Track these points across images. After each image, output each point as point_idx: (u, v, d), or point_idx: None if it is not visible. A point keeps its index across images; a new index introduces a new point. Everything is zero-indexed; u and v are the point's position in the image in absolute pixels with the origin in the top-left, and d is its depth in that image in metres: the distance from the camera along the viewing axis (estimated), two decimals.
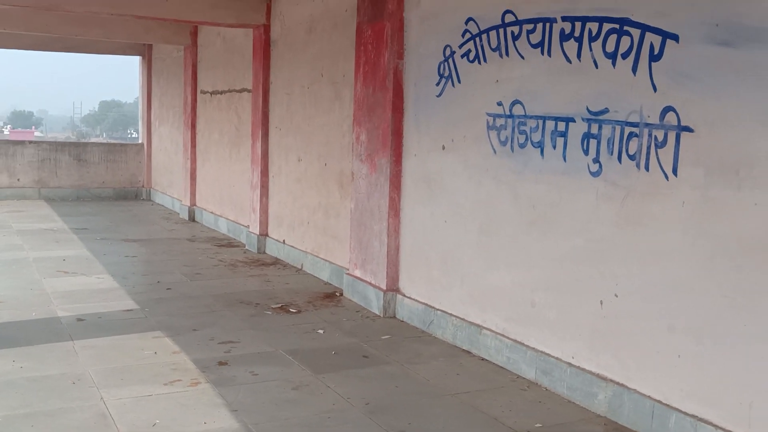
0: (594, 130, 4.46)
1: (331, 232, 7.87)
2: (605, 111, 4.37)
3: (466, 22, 5.58)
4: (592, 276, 4.52)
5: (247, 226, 9.97)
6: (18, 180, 14.12)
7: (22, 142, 14.41)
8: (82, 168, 14.62)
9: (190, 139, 12.22)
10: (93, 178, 14.73)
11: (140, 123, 15.58)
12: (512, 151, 5.16)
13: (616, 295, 4.35)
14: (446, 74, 5.85)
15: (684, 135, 3.88)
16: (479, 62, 5.47)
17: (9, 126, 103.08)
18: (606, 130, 4.38)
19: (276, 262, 8.88)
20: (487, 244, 5.45)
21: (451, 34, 5.78)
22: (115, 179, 14.94)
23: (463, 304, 5.72)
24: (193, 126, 12.19)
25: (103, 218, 12.11)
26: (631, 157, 4.21)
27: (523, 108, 5.04)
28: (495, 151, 5.33)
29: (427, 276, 6.17)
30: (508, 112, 5.19)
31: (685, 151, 3.88)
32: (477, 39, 5.48)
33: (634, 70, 4.17)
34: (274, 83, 9.18)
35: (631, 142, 4.21)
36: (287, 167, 8.89)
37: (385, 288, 6.55)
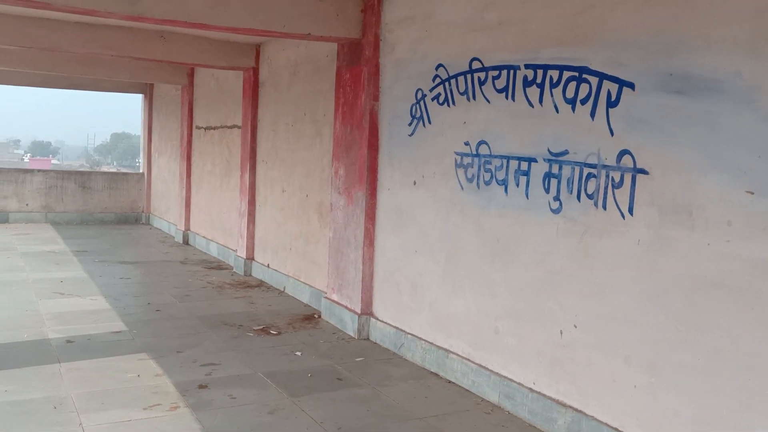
0: (555, 170, 4.21)
1: (311, 257, 7.55)
2: (565, 152, 4.13)
3: (437, 68, 5.34)
4: (552, 307, 4.26)
5: (235, 250, 9.61)
6: (27, 205, 13.63)
7: (31, 171, 13.93)
8: (87, 194, 14.17)
9: (185, 169, 11.86)
10: (96, 204, 14.27)
11: (141, 154, 15.17)
12: (478, 187, 4.90)
13: (575, 326, 4.08)
14: (418, 115, 5.60)
15: (639, 177, 3.65)
16: (448, 105, 5.23)
17: (29, 154, 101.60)
18: (566, 171, 4.13)
19: (261, 284, 8.52)
20: (453, 273, 5.17)
21: (422, 78, 5.54)
22: (117, 205, 14.48)
23: (431, 329, 5.42)
24: (189, 158, 11.83)
25: (103, 241, 11.66)
26: (590, 196, 3.97)
27: (489, 148, 4.79)
28: (462, 187, 5.07)
29: (398, 301, 5.87)
30: (474, 152, 4.93)
31: (641, 192, 3.64)
32: (446, 83, 5.24)
33: (593, 115, 3.93)
34: (262, 120, 8.89)
35: (589, 182, 3.97)
36: (272, 197, 8.58)
37: (359, 311, 6.24)
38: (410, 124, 5.70)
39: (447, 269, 5.24)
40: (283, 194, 8.25)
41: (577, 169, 4.05)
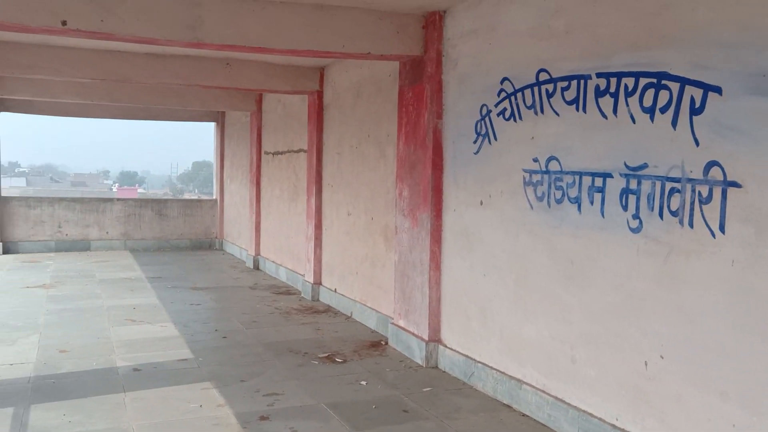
0: (633, 185, 3.85)
1: (377, 282, 7.34)
2: (644, 166, 3.77)
3: (502, 82, 5.07)
4: (634, 334, 3.87)
5: (303, 275, 9.52)
6: (107, 233, 14.07)
7: (111, 200, 14.40)
8: (163, 222, 14.52)
9: (255, 194, 11.95)
10: (172, 231, 14.60)
11: (214, 181, 15.46)
12: (549, 206, 4.58)
13: (662, 356, 3.68)
14: (483, 132, 5.33)
15: (731, 190, 3.25)
16: (515, 120, 4.94)
17: (117, 184, 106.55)
18: (646, 186, 3.77)
19: (328, 309, 8.37)
20: (524, 297, 4.83)
21: (487, 93, 5.28)
22: (191, 231, 14.78)
23: (502, 357, 5.09)
24: (258, 183, 11.92)
25: (177, 267, 11.85)
26: (674, 213, 3.59)
27: (559, 164, 4.47)
28: (531, 206, 4.75)
29: (466, 327, 5.57)
30: (544, 168, 4.62)
31: (733, 207, 3.25)
32: (512, 98, 4.96)
33: (674, 124, 3.57)
34: (327, 144, 8.81)
35: (672, 198, 3.59)
36: (338, 221, 8.45)
37: (427, 338, 5.97)
38: (475, 142, 5.43)
39: (517, 293, 4.91)
40: (349, 217, 8.10)
41: (658, 184, 3.68)
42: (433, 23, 5.87)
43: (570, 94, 4.37)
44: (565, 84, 4.41)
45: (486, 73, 5.29)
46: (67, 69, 7.69)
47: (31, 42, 7.43)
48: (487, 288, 5.28)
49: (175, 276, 10.84)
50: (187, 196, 79.15)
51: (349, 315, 7.95)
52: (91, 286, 9.68)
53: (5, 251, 13.05)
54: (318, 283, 9.01)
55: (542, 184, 4.65)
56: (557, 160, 4.49)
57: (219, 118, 14.91)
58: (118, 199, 14.44)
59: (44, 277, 10.40)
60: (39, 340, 6.58)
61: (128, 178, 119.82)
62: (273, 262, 11.13)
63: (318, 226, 8.98)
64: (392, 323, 6.63)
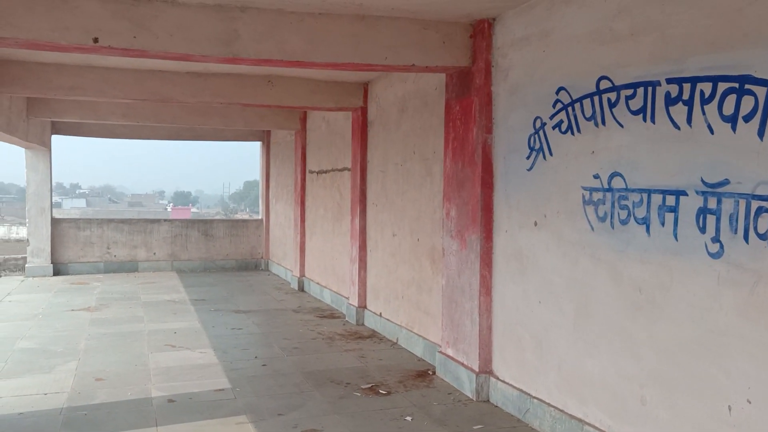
0: (711, 204, 3.39)
1: (424, 307, 6.95)
2: (725, 182, 3.30)
3: (557, 92, 4.66)
4: (716, 375, 3.38)
5: (347, 298, 9.20)
6: (154, 254, 14.07)
7: (158, 221, 14.42)
8: (209, 242, 14.45)
9: (299, 214, 11.73)
10: (218, 251, 14.51)
11: (260, 201, 15.34)
12: (612, 227, 4.13)
13: (749, 401, 3.19)
14: (537, 147, 4.92)
15: None
16: (572, 133, 4.52)
17: (171, 204, 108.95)
18: (727, 205, 3.30)
19: (373, 334, 8.01)
20: (585, 328, 4.38)
21: (541, 105, 4.87)
22: (237, 252, 14.66)
23: (561, 393, 4.63)
24: (302, 203, 11.71)
25: (221, 288, 11.69)
26: (762, 236, 3.11)
27: (624, 181, 4.03)
28: (592, 228, 4.31)
29: (520, 359, 5.13)
30: (606, 186, 4.18)
31: None
32: (569, 108, 4.54)
33: (761, 134, 3.11)
34: (371, 161, 8.51)
35: (760, 219, 3.12)
36: (383, 242, 8.11)
37: (477, 369, 5.54)
38: (528, 157, 5.02)
39: (577, 324, 4.46)
40: (394, 238, 7.75)
41: (742, 203, 3.22)
42: (481, 32, 5.51)
43: (636, 103, 3.93)
44: (630, 92, 3.98)
45: (540, 83, 4.89)
46: (110, 89, 7.61)
47: (74, 63, 7.38)
48: (543, 317, 4.84)
49: (218, 298, 10.66)
50: (239, 215, 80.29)
51: (395, 341, 7.57)
52: (135, 309, 9.56)
53: (56, 273, 13.15)
54: (363, 306, 8.67)
55: (604, 203, 4.20)
56: (621, 176, 4.05)
57: (264, 138, 14.83)
58: (165, 220, 14.45)
59: (90, 299, 10.36)
60: (77, 367, 6.40)
61: (182, 198, 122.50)
62: (318, 283, 10.85)
63: (362, 248, 8.66)
64: (440, 352, 6.23)
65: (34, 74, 7.31)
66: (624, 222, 4.03)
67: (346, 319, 8.93)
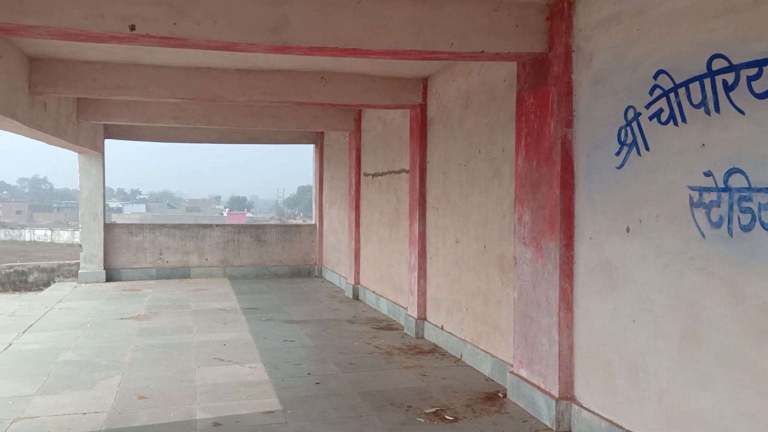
0: None
1: (492, 321, 6.33)
2: None
3: (656, 77, 4.00)
4: None
5: (406, 308, 8.64)
6: (206, 260, 13.82)
7: (210, 226, 14.17)
8: (261, 248, 14.12)
9: (354, 219, 11.24)
10: (271, 257, 14.16)
11: (313, 205, 14.95)
12: (730, 234, 3.45)
13: None
14: (629, 141, 4.26)
15: None
16: (675, 123, 3.85)
17: (227, 209, 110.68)
18: None
19: (434, 349, 7.42)
20: (695, 355, 3.70)
21: (634, 92, 4.21)
22: (290, 258, 14.29)
23: (663, 430, 3.95)
24: (357, 207, 11.21)
25: (274, 296, 11.29)
26: None
27: (746, 178, 3.34)
28: (703, 235, 3.63)
29: (609, 386, 4.46)
30: (721, 185, 3.50)
31: None
32: (671, 95, 3.87)
33: None
34: (431, 162, 7.93)
35: None
36: (444, 249, 7.52)
37: (557, 395, 4.89)
38: (618, 153, 4.37)
39: (683, 349, 3.78)
40: (457, 245, 7.15)
41: None
42: (560, 13, 4.88)
43: (762, 85, 3.25)
44: (753, 71, 3.30)
45: (633, 67, 4.23)
46: (156, 89, 7.27)
47: (119, 61, 7.06)
48: (638, 339, 4.17)
49: (270, 307, 10.25)
50: (292, 220, 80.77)
51: (459, 357, 6.96)
52: (184, 318, 9.22)
53: (108, 279, 13.02)
54: (422, 318, 8.09)
55: (719, 206, 3.52)
56: (743, 173, 3.37)
57: (317, 140, 14.43)
58: (217, 225, 14.19)
59: (140, 307, 10.09)
60: (120, 383, 6.03)
61: (238, 203, 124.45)
62: (373, 292, 10.33)
63: (422, 255, 8.09)
64: (512, 372, 5.60)
65: (78, 73, 7.02)
66: (746, 228, 3.35)
67: (405, 331, 8.37)
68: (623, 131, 4.32)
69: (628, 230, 4.28)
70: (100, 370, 6.50)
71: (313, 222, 14.73)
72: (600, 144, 4.56)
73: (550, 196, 4.99)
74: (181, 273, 13.60)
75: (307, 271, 14.32)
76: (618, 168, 4.37)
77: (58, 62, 6.96)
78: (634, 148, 4.22)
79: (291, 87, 7.60)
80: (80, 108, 9.89)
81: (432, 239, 7.90)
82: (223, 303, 10.54)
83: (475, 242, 6.70)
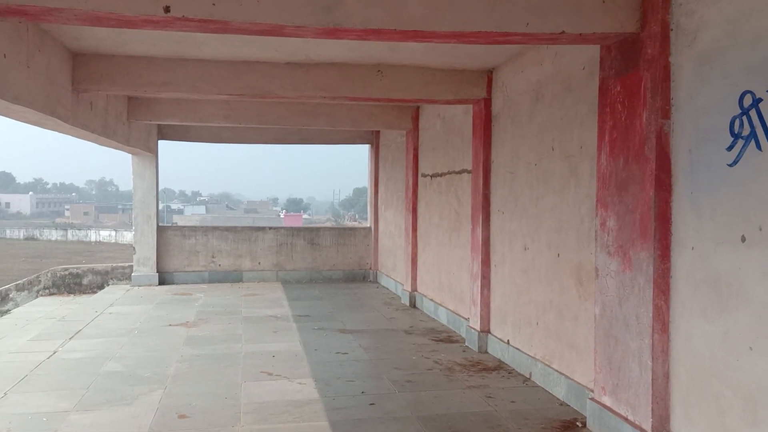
0: None
1: (567, 338, 5.64)
2: None
3: None
4: None
5: (467, 319, 8.01)
6: (259, 263, 13.47)
7: (263, 229, 13.81)
8: (315, 251, 13.68)
9: (411, 222, 10.66)
10: (325, 261, 13.71)
11: (368, 208, 14.44)
12: None
13: None
14: (745, 133, 3.54)
15: None
16: None
17: (284, 211, 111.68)
18: None
19: (499, 366, 6.77)
20: None
21: (752, 74, 3.50)
22: (344, 262, 13.81)
23: None
24: (414, 210, 10.63)
25: (327, 303, 10.81)
26: None
27: None
28: None
29: (718, 424, 3.74)
30: None
31: None
32: None
33: None
34: (496, 162, 7.28)
35: None
36: (511, 256, 6.85)
37: (649, 429, 4.19)
38: (731, 148, 3.65)
39: None
40: (526, 252, 6.48)
41: None
42: None
43: None
44: None
45: (751, 44, 3.51)
46: (204, 85, 6.86)
47: (165, 56, 6.68)
48: (758, 370, 3.45)
49: (323, 314, 9.76)
50: (346, 221, 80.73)
51: (528, 377, 6.30)
52: (234, 326, 8.82)
53: (161, 282, 12.81)
54: (486, 331, 7.44)
55: None
56: None
57: (373, 140, 13.90)
58: (270, 228, 13.81)
59: (189, 313, 9.75)
60: (161, 399, 5.61)
61: (294, 205, 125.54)
62: (431, 300, 9.72)
63: (485, 262, 7.44)
64: (592, 399, 4.91)
65: (122, 69, 6.67)
66: None
67: (466, 344, 7.74)
68: (738, 121, 3.60)
69: (743, 239, 3.56)
70: (143, 383, 6.11)
71: (368, 225, 14.22)
72: (706, 137, 3.85)
73: (641, 199, 4.30)
74: (234, 277, 13.28)
75: (362, 276, 13.81)
76: (730, 165, 3.66)
77: (101, 58, 6.63)
78: (753, 142, 3.50)
79: (345, 81, 7.08)
80: (131, 108, 9.63)
81: (497, 245, 7.24)
82: (275, 309, 10.12)
83: (548, 249, 6.03)
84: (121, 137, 9.22)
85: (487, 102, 7.41)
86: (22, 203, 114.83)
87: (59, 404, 5.48)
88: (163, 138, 12.83)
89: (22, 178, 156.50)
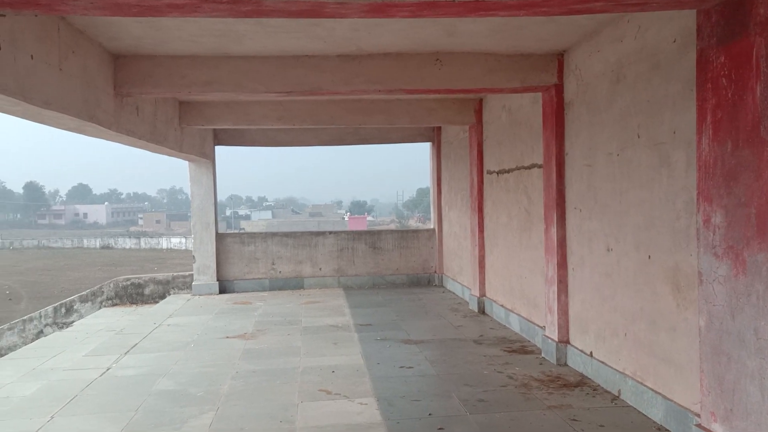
0: None
1: (663, 352, 4.91)
2: None
3: None
4: None
5: (543, 328, 7.32)
6: (320, 269, 13.07)
7: (323, 233, 13.41)
8: (377, 255, 13.18)
9: (477, 223, 10.01)
10: (387, 265, 13.20)
11: (431, 208, 13.83)
12: None
13: None
14: None
15: None
16: None
17: (348, 213, 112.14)
18: None
19: (581, 381, 6.07)
20: None
21: None
22: (408, 266, 13.25)
23: None
24: (480, 209, 9.97)
25: (390, 310, 10.28)
26: None
27: None
28: None
29: None
30: None
31: None
32: None
33: None
34: (570, 154, 6.58)
35: None
36: (591, 258, 6.15)
37: None
38: None
39: None
40: (609, 254, 5.77)
41: None
42: None
43: None
44: None
45: None
46: (249, 82, 6.44)
47: (208, 53, 6.29)
48: None
49: (386, 322, 9.24)
50: (411, 223, 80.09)
51: (616, 395, 5.58)
52: (293, 337, 8.39)
53: (221, 290, 12.58)
54: (565, 341, 6.74)
55: None
56: None
57: (434, 137, 13.30)
58: (331, 233, 13.39)
59: (248, 324, 9.40)
60: (211, 423, 5.19)
61: (358, 208, 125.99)
62: (502, 306, 9.05)
63: (562, 265, 6.74)
64: (699, 426, 4.19)
65: (164, 69, 6.32)
66: None
67: (542, 355, 7.05)
68: None
69: None
70: (194, 403, 5.72)
71: (432, 226, 13.62)
72: None
73: (756, 190, 3.57)
74: (294, 283, 12.92)
75: (426, 280, 13.23)
76: None
77: (142, 59, 6.29)
78: None
79: (400, 73, 6.53)
80: (182, 112, 9.37)
81: (574, 246, 6.54)
82: (336, 318, 9.65)
83: (635, 250, 5.31)
84: (172, 143, 8.95)
85: (559, 88, 6.71)
86: (98, 213, 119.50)
87: (106, 429, 5.13)
88: (219, 143, 12.60)
89: (98, 189, 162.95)
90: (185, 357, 7.47)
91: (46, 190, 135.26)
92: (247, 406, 5.60)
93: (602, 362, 5.93)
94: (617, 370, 5.64)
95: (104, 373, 6.88)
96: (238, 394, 5.96)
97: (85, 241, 73.77)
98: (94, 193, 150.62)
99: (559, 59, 6.69)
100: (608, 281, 5.82)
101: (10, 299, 32.19)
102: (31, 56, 4.46)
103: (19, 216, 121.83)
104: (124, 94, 6.35)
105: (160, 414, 5.47)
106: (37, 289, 35.36)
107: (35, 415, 5.52)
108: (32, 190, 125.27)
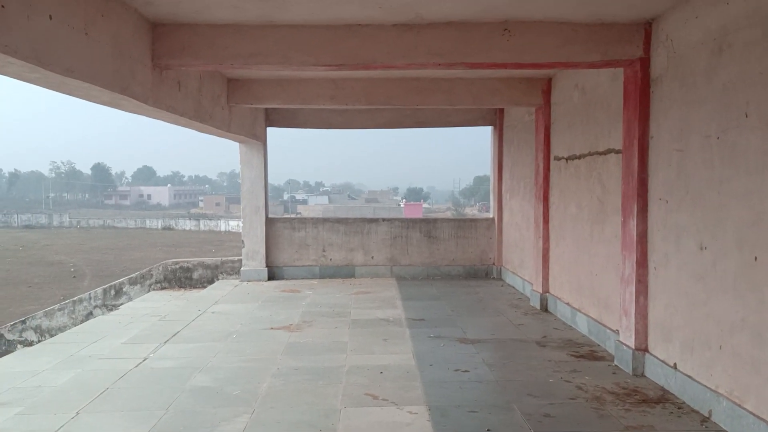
0: None
1: None
2: None
3: None
4: None
5: (616, 332, 6.55)
6: (372, 258, 12.50)
7: (376, 220, 12.82)
8: (432, 245, 12.52)
9: (542, 213, 9.24)
10: (443, 255, 12.52)
11: (491, 196, 13.07)
12: None
13: None
14: None
15: None
16: None
17: (404, 200, 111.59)
18: None
19: (663, 397, 5.31)
20: None
21: None
22: (464, 256, 12.55)
23: None
24: (546, 198, 9.19)
25: (445, 304, 9.62)
26: None
27: None
28: None
29: None
30: None
31: None
32: None
33: None
34: (656, 137, 5.77)
35: None
36: (679, 256, 5.35)
37: None
38: None
39: None
40: (702, 253, 4.97)
41: None
42: None
43: None
44: None
45: None
46: (296, 54, 5.86)
47: (252, 22, 5.74)
48: None
49: (441, 318, 8.60)
50: (468, 211, 78.92)
51: (706, 416, 4.81)
52: (340, 331, 7.85)
53: (270, 277, 12.17)
54: (642, 349, 5.96)
55: None
56: None
57: (496, 120, 12.50)
58: (384, 220, 12.79)
59: (294, 314, 8.91)
60: (244, 429, 4.67)
61: (414, 194, 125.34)
62: (567, 304, 8.28)
63: (641, 263, 5.95)
64: None
65: (206, 40, 5.80)
66: None
67: (615, 363, 6.30)
68: None
69: None
70: (229, 404, 5.23)
71: (491, 215, 12.86)
72: None
73: None
74: (346, 272, 12.40)
75: (484, 272, 12.49)
76: None
77: (183, 27, 5.79)
78: None
79: (464, 44, 5.83)
80: (230, 90, 8.90)
81: (658, 242, 5.74)
82: (387, 311, 9.07)
83: (737, 250, 4.50)
84: (219, 122, 8.48)
85: (644, 62, 5.89)
86: (161, 195, 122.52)
87: (131, 430, 4.68)
88: (271, 125, 12.15)
89: (162, 171, 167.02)
90: (226, 349, 7.02)
91: (113, 172, 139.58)
92: (285, 411, 5.07)
93: (689, 376, 5.15)
94: (708, 388, 4.86)
95: (140, 363, 6.49)
96: (277, 396, 5.45)
97: (147, 221, 75.58)
98: (158, 175, 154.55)
99: (646, 29, 5.86)
100: (700, 284, 5.02)
101: (74, 277, 33.01)
102: (50, 16, 3.97)
103: (87, 196, 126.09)
104: (162, 66, 5.87)
105: (191, 415, 4.99)
106: (100, 267, 36.21)
107: (61, 409, 5.13)
108: (100, 171, 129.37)
